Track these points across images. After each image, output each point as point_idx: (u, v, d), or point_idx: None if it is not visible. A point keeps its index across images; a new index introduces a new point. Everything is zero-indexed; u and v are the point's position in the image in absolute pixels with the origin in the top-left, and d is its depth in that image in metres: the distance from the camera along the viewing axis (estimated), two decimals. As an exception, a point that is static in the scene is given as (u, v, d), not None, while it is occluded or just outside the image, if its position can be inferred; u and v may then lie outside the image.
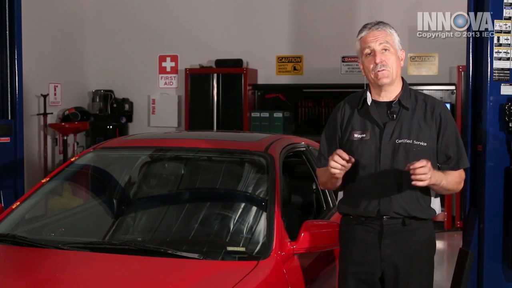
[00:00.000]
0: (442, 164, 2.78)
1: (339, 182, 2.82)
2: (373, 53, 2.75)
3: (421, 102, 2.81)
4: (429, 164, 2.54)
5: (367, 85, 2.88)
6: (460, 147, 2.80)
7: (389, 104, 2.79)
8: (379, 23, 2.81)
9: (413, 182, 2.55)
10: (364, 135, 2.77)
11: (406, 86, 2.84)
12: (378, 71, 2.74)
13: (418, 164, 2.53)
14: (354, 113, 2.84)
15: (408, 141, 2.72)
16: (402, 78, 2.87)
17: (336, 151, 2.66)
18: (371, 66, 2.76)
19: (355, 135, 2.78)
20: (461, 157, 2.78)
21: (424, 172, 2.53)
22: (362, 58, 2.81)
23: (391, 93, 2.81)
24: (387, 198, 2.71)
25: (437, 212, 2.82)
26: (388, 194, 2.70)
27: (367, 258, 2.75)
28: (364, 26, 2.82)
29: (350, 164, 2.65)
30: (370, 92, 2.84)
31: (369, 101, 2.81)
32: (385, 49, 2.75)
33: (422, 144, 2.72)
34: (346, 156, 2.63)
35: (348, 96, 2.97)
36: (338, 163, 2.62)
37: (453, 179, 2.76)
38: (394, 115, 2.76)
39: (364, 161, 2.75)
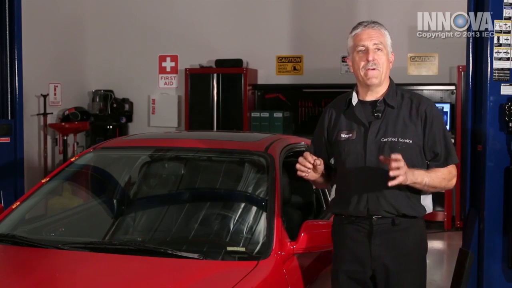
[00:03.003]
0: (430, 161, 2.78)
1: (322, 181, 2.90)
2: (366, 50, 2.76)
3: (407, 100, 2.81)
4: (402, 163, 2.53)
5: (355, 85, 2.89)
6: (448, 143, 2.79)
7: (374, 103, 2.80)
8: (374, 22, 2.82)
9: (389, 183, 2.54)
10: (350, 135, 2.79)
11: (392, 85, 2.85)
12: (369, 69, 2.75)
13: (393, 156, 2.52)
14: (341, 115, 2.86)
15: (393, 139, 2.72)
16: (389, 78, 2.88)
17: (303, 154, 2.73)
18: (362, 63, 2.77)
19: (342, 135, 2.81)
20: (449, 153, 2.78)
21: (398, 166, 2.51)
22: (353, 54, 2.82)
23: (378, 93, 2.82)
24: (376, 196, 2.71)
25: (429, 210, 2.81)
26: (376, 192, 2.71)
27: (357, 257, 2.76)
28: (360, 24, 2.83)
29: (319, 167, 2.72)
30: (357, 92, 2.86)
31: (354, 102, 2.83)
32: (378, 49, 2.77)
33: (408, 141, 2.72)
34: (311, 159, 2.69)
35: (337, 97, 2.98)
36: (304, 166, 2.70)
37: (440, 175, 2.73)
38: (379, 114, 2.77)
39: (351, 161, 2.77)
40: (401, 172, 2.52)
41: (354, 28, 2.84)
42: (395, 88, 2.85)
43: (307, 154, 2.73)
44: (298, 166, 2.72)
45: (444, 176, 2.75)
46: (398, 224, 2.72)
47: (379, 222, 2.72)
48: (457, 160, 2.82)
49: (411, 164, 2.71)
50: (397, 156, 2.53)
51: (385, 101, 2.79)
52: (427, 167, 2.77)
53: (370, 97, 2.82)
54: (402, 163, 2.52)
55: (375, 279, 2.76)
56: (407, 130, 2.74)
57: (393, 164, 2.51)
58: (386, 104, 2.78)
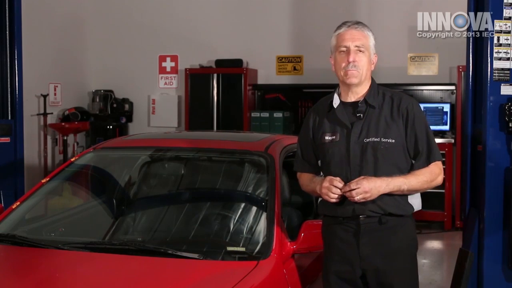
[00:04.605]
0: (413, 159, 2.77)
1: None
2: (347, 51, 2.76)
3: (388, 99, 2.81)
4: (364, 183, 2.62)
5: (337, 86, 2.89)
6: (430, 141, 2.78)
7: (355, 104, 2.81)
8: (358, 22, 2.82)
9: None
10: (334, 137, 2.79)
11: (373, 84, 2.85)
12: (348, 70, 2.75)
13: (352, 185, 2.63)
14: (324, 117, 2.87)
15: (375, 139, 2.72)
16: (372, 78, 2.88)
17: (330, 181, 2.70)
18: (343, 64, 2.77)
19: (326, 138, 2.81)
20: (431, 151, 2.77)
21: (358, 193, 2.62)
22: (335, 53, 2.82)
23: (358, 93, 2.82)
24: None
25: (417, 208, 2.81)
26: None
27: (346, 257, 2.76)
28: (344, 23, 2.83)
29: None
30: (339, 93, 2.86)
31: (335, 104, 2.83)
32: (360, 50, 2.77)
33: (390, 141, 2.72)
34: (340, 185, 2.69)
35: (320, 99, 2.99)
36: (336, 193, 2.70)
37: (421, 179, 2.72)
38: (361, 115, 2.77)
39: (335, 163, 2.77)
40: (357, 197, 2.63)
41: (338, 27, 2.83)
42: (377, 88, 2.85)
43: (335, 179, 2.70)
44: (325, 192, 2.71)
45: (425, 179, 2.74)
46: (385, 223, 2.72)
47: (366, 222, 2.73)
48: (440, 158, 2.82)
49: (395, 163, 2.73)
50: (356, 185, 2.63)
51: (366, 101, 2.79)
52: (411, 166, 2.77)
53: (352, 97, 2.83)
54: (359, 189, 2.62)
55: (366, 278, 2.77)
56: (389, 130, 2.74)
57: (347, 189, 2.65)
58: (368, 105, 2.79)
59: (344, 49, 2.77)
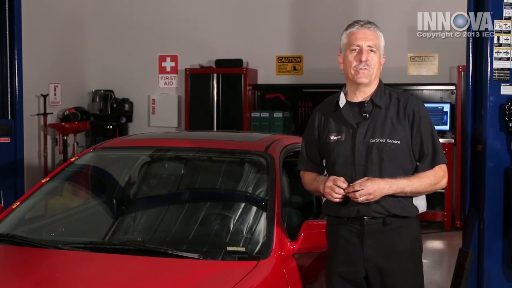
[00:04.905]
0: (418, 161, 2.77)
1: None
2: (360, 50, 2.75)
3: (395, 100, 2.80)
4: (368, 184, 2.62)
5: (344, 85, 2.89)
6: (435, 143, 2.78)
7: (362, 104, 2.80)
8: (370, 22, 2.82)
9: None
10: (339, 137, 2.78)
11: (380, 85, 2.84)
12: (360, 69, 2.74)
13: (356, 186, 2.63)
14: (330, 116, 2.85)
15: (381, 140, 2.71)
16: (379, 79, 2.87)
17: (334, 181, 2.69)
18: (355, 63, 2.76)
19: (331, 137, 2.80)
20: (436, 153, 2.76)
21: (362, 195, 2.62)
22: (346, 52, 2.81)
23: (366, 93, 2.81)
24: None
25: (422, 209, 2.80)
26: None
27: (350, 258, 2.76)
28: (356, 22, 2.82)
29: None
30: (346, 93, 2.85)
31: (341, 104, 2.82)
32: (372, 50, 2.76)
33: (396, 142, 2.71)
34: (344, 185, 2.68)
35: (325, 99, 2.98)
36: (339, 194, 2.69)
37: (424, 181, 2.72)
38: (367, 115, 2.76)
39: (340, 162, 2.76)
40: (369, 197, 2.63)
41: (350, 25, 2.83)
42: (383, 88, 2.84)
43: (338, 179, 2.69)
44: (329, 191, 2.70)
45: (429, 181, 2.74)
46: (390, 224, 2.72)
47: (370, 223, 2.72)
48: (445, 161, 2.81)
49: (400, 165, 2.72)
50: (360, 186, 2.63)
51: (373, 102, 2.78)
52: (416, 168, 2.76)
53: (359, 97, 2.81)
54: (363, 191, 2.62)
55: (369, 279, 2.76)
56: (395, 131, 2.73)
57: (351, 191, 2.64)
58: (374, 105, 2.77)
59: (356, 48, 2.76)
